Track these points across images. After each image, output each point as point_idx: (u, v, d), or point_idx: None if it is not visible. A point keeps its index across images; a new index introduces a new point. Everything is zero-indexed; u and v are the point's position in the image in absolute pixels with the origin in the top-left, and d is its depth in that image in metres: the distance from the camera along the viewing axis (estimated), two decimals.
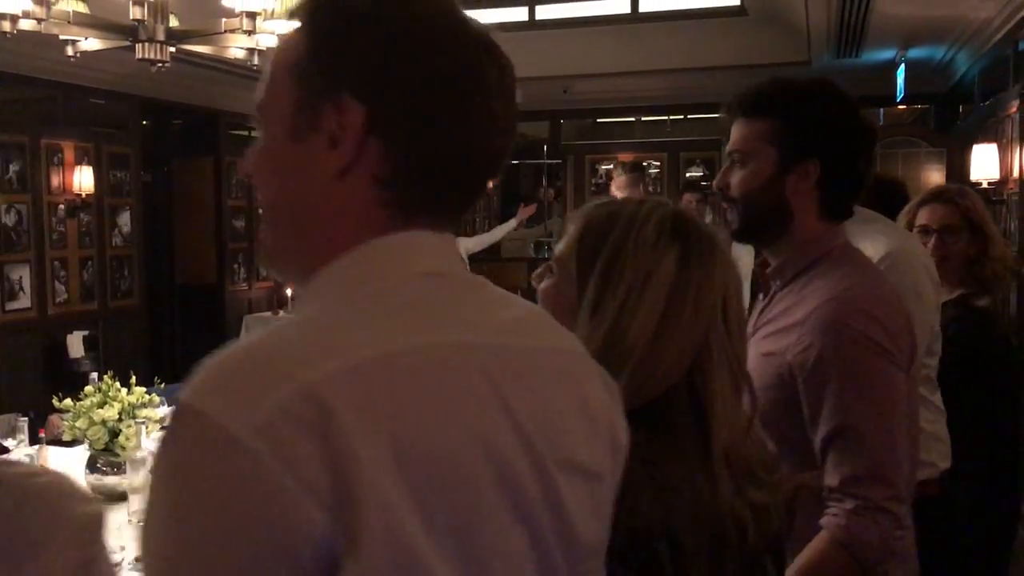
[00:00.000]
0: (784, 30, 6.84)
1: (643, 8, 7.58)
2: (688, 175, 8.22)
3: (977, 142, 5.95)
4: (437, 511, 0.67)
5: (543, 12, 7.76)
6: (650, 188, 8.11)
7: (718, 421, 1.07)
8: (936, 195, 2.70)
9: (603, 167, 8.55)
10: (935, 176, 7.10)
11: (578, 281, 1.13)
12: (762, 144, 1.56)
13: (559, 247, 1.19)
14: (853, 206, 1.64)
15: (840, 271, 1.56)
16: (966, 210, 2.59)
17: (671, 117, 9.01)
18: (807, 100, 1.56)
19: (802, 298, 1.56)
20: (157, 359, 7.77)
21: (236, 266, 8.78)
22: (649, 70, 7.59)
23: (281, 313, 8.38)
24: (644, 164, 6.84)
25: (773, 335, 1.58)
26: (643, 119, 9.19)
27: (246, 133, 9.29)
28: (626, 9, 7.61)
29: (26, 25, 3.11)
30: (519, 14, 7.80)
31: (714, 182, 1.66)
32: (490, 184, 0.90)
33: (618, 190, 5.44)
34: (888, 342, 1.47)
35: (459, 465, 0.70)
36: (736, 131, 1.60)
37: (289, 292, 8.60)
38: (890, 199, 3.06)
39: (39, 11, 3.04)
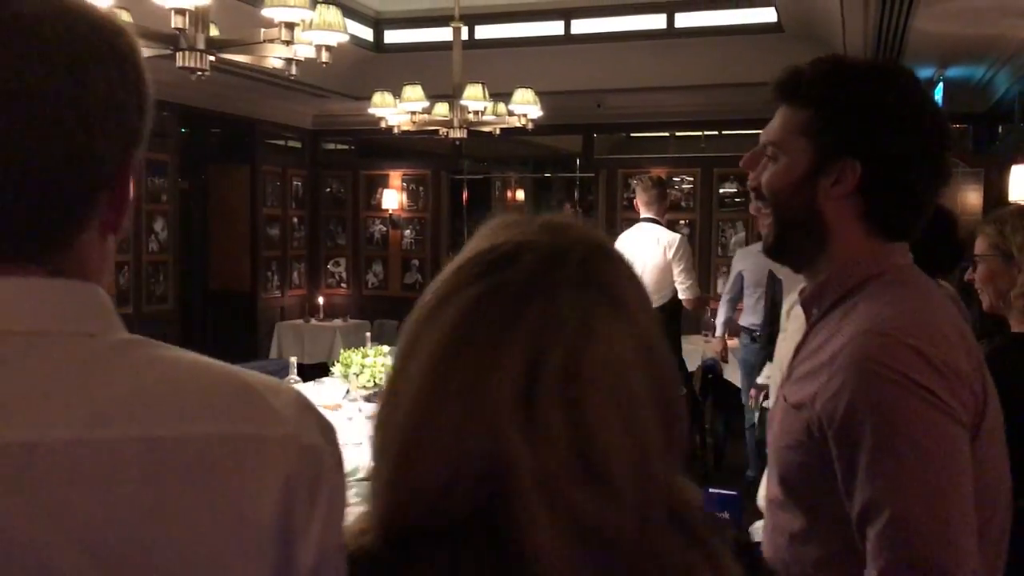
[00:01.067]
0: (820, 47, 6.80)
1: (679, 24, 7.57)
2: (721, 191, 8.18)
3: (1016, 162, 5.87)
4: None
5: (578, 26, 7.78)
6: (681, 204, 8.10)
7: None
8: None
9: (635, 181, 8.54)
10: (972, 197, 7.01)
11: None
12: (796, 136, 1.29)
13: None
14: (916, 224, 1.31)
15: (890, 295, 1.24)
16: (995, 235, 2.47)
17: (705, 133, 8.98)
18: (852, 84, 1.27)
19: (839, 330, 1.24)
20: None
21: (269, 274, 8.86)
22: (684, 85, 7.57)
23: (312, 321, 8.45)
24: (668, 179, 6.80)
25: (802, 379, 1.28)
26: (677, 134, 9.17)
27: (282, 143, 9.39)
28: (662, 24, 7.61)
29: None
30: (554, 28, 7.83)
31: (748, 180, 1.40)
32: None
33: (643, 206, 5.43)
34: (941, 388, 1.13)
35: None
36: (774, 120, 1.35)
37: (320, 300, 8.68)
38: (933, 227, 2.97)
39: None
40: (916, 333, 1.16)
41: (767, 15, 7.14)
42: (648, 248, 5.21)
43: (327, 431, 0.71)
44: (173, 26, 3.27)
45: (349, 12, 7.29)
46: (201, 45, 3.40)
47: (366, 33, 8.11)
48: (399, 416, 0.71)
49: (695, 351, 6.39)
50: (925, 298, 1.26)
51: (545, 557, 0.65)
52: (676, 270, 5.13)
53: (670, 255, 5.14)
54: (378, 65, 7.93)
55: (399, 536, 0.71)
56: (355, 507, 2.74)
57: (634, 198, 5.72)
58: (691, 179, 8.25)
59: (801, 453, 1.21)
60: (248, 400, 0.67)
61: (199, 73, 3.45)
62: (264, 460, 0.65)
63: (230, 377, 0.69)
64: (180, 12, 3.22)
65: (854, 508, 1.16)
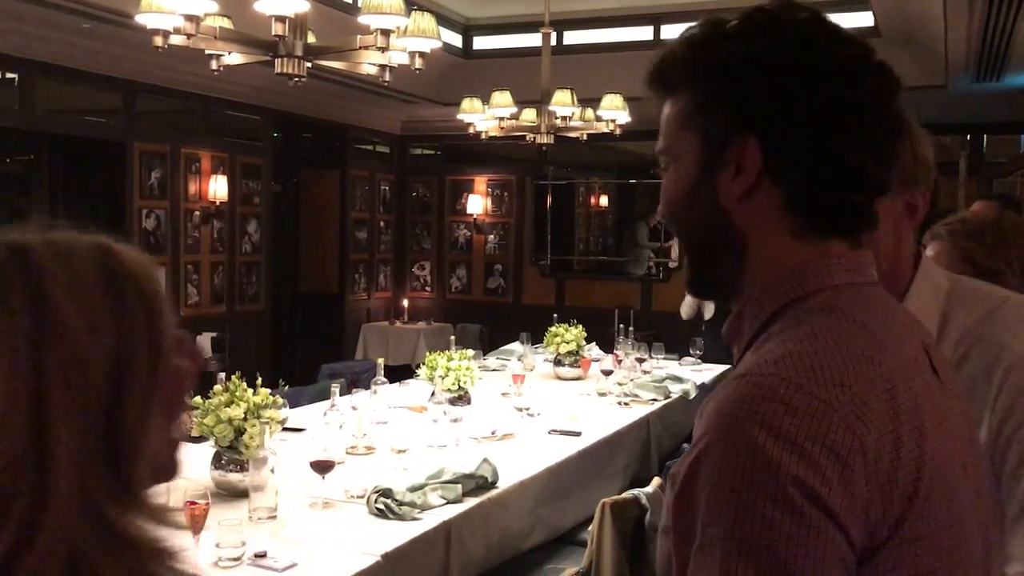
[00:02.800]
0: (920, 52, 6.59)
1: None
2: None
3: None
4: None
5: (668, 31, 7.72)
6: None
7: None
8: None
9: None
10: None
11: None
12: (679, 132, 0.97)
13: None
14: (860, 207, 0.92)
15: (802, 329, 0.87)
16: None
17: None
18: (721, 45, 0.95)
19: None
20: (279, 363, 8.05)
21: (357, 276, 9.02)
22: None
23: (397, 323, 8.57)
24: None
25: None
26: None
27: (371, 148, 9.56)
28: None
29: (176, 40, 3.30)
30: (644, 33, 7.79)
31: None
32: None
33: None
34: (814, 476, 0.76)
35: None
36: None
37: (405, 303, 8.79)
38: None
39: (189, 27, 3.22)
40: (806, 384, 0.80)
41: (864, 19, 6.95)
42: None
43: None
44: (273, 33, 3.35)
45: (439, 19, 7.37)
46: (299, 52, 3.48)
47: (455, 39, 8.20)
48: None
49: None
50: (854, 336, 0.86)
51: None
52: None
53: None
54: (467, 71, 8.00)
55: None
56: (440, 508, 2.77)
57: None
58: None
59: (665, 541, 0.87)
60: None
61: (296, 79, 3.54)
62: None
63: None
64: (280, 19, 3.31)
65: None
